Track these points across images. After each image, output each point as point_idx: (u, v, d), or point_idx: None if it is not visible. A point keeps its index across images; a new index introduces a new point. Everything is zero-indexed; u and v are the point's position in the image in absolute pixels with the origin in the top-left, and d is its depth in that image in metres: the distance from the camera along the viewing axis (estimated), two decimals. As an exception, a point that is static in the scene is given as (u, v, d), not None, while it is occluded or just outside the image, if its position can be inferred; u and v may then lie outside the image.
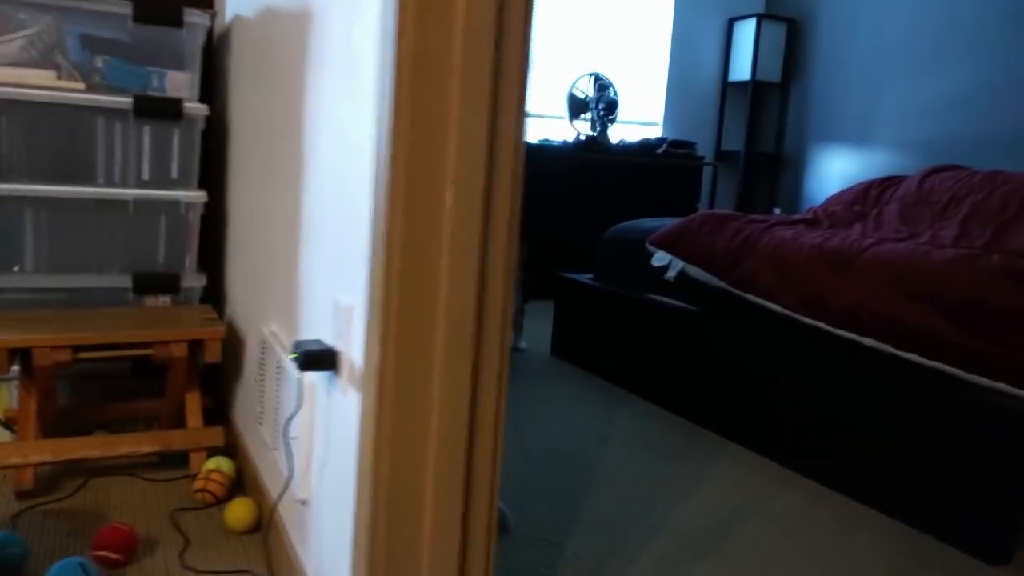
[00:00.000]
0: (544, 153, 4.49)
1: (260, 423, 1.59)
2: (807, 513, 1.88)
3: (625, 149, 4.80)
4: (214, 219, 2.28)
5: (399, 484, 0.97)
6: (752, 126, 5.43)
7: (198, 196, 2.00)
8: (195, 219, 2.02)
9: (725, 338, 2.37)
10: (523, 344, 3.25)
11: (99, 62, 1.91)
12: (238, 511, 1.58)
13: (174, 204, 1.99)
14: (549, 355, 3.21)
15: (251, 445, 1.75)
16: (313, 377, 1.23)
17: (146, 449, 1.75)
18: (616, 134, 5.02)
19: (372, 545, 0.98)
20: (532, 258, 4.01)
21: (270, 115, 1.62)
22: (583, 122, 4.88)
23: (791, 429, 2.15)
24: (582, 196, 4.58)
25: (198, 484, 1.68)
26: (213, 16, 2.19)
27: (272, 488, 1.54)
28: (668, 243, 2.64)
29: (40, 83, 1.83)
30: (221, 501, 1.69)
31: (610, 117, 4.88)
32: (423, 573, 1.01)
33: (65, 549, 1.47)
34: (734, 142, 5.55)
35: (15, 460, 1.64)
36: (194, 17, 1.94)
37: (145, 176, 1.96)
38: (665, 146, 4.88)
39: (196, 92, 2.00)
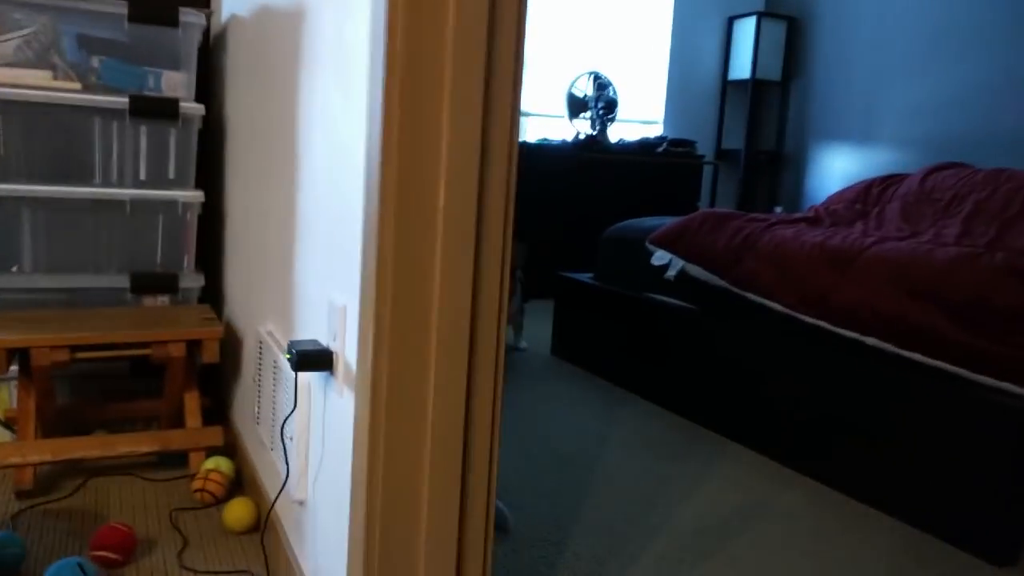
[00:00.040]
0: (543, 152, 4.48)
1: (258, 423, 1.59)
2: (808, 513, 1.87)
3: (625, 148, 4.79)
4: (212, 219, 2.28)
5: (394, 485, 0.97)
6: (752, 124, 5.42)
7: (195, 196, 1.99)
8: (192, 219, 2.02)
9: (726, 337, 2.36)
10: (523, 344, 3.24)
11: (95, 62, 1.90)
12: (237, 511, 1.57)
13: (171, 204, 1.98)
14: (549, 355, 3.20)
15: (250, 445, 1.74)
16: (308, 377, 1.22)
17: (145, 449, 1.74)
18: (616, 133, 5.01)
19: (367, 547, 0.98)
20: (532, 257, 4.00)
21: (265, 114, 1.61)
22: (582, 121, 4.87)
23: (792, 429, 2.14)
24: (582, 195, 4.58)
25: (197, 484, 1.68)
26: (209, 16, 2.18)
27: (270, 488, 1.54)
28: (668, 242, 2.63)
29: (36, 83, 1.82)
30: (220, 501, 1.68)
31: (609, 116, 4.87)
32: (419, 575, 1.00)
33: (64, 549, 1.47)
34: (734, 141, 5.54)
35: (14, 460, 1.63)
36: (190, 17, 1.94)
37: (142, 176, 1.96)
38: (665, 145, 4.87)
39: (192, 92, 1.99)
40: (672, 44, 5.30)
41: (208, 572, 1.43)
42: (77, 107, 1.86)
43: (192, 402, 1.84)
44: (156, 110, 1.92)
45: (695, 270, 2.51)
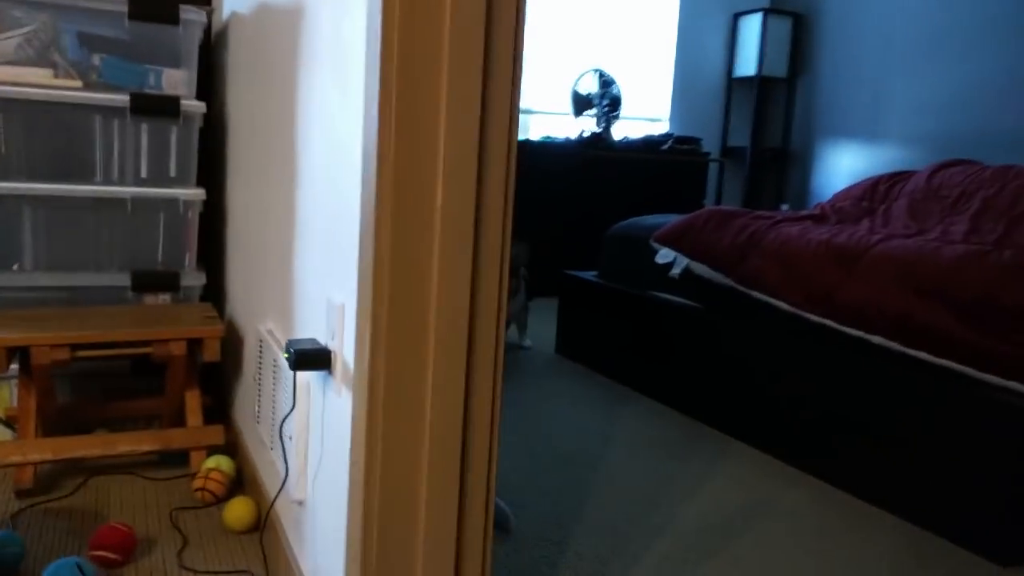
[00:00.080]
0: (548, 150, 4.47)
1: (258, 422, 1.58)
2: (812, 512, 1.85)
3: (630, 146, 4.77)
4: (214, 216, 2.28)
5: (391, 485, 0.96)
6: (758, 122, 5.39)
7: (196, 194, 1.99)
8: (194, 217, 2.01)
9: (730, 335, 2.34)
10: (527, 342, 3.23)
11: (96, 60, 1.90)
12: (237, 510, 1.56)
13: (172, 202, 1.98)
14: (553, 353, 3.19)
15: (251, 444, 1.74)
16: (307, 377, 1.21)
17: (145, 448, 1.74)
18: (620, 130, 4.99)
19: (365, 547, 0.97)
20: (535, 256, 3.98)
21: (265, 111, 1.61)
22: (587, 119, 4.85)
23: (797, 427, 2.12)
24: (586, 193, 4.56)
25: (197, 483, 1.67)
26: (210, 13, 2.18)
27: (271, 487, 1.53)
28: (672, 240, 2.61)
29: (37, 81, 1.82)
30: (221, 500, 1.68)
31: (614, 113, 4.85)
32: (417, 575, 0.99)
33: (64, 548, 1.46)
34: (740, 138, 5.51)
35: (15, 459, 1.63)
36: (191, 14, 1.93)
37: (143, 174, 1.95)
38: (670, 142, 4.85)
39: (194, 89, 1.99)
40: (677, 41, 5.28)
41: (207, 572, 1.42)
42: (78, 105, 1.85)
43: (193, 401, 1.84)
44: (157, 108, 1.91)
45: (700, 268, 2.50)
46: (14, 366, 1.70)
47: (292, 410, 1.24)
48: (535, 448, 2.14)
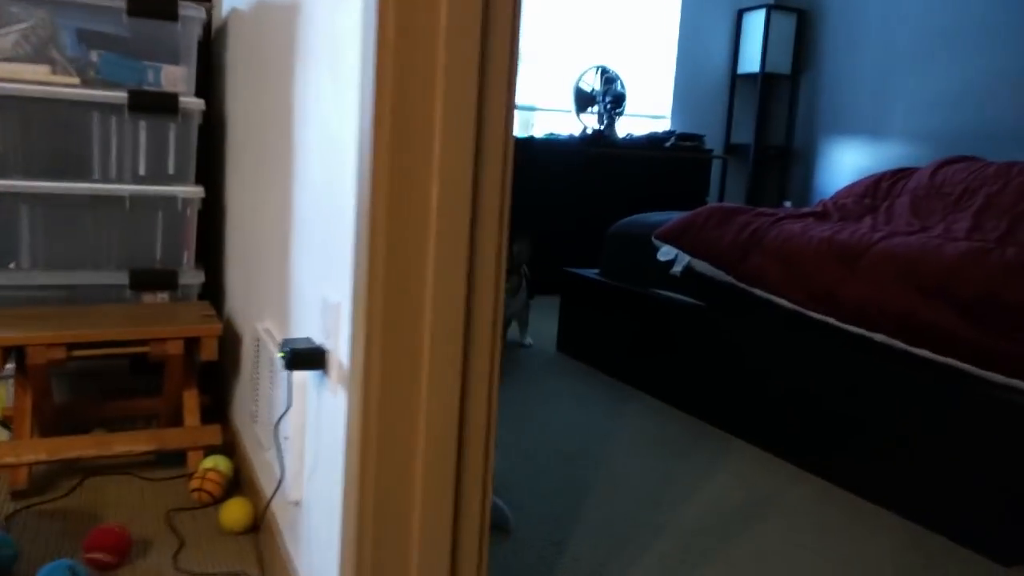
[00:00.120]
0: (550, 147, 4.45)
1: (255, 422, 1.57)
2: (814, 510, 1.84)
3: (632, 143, 4.75)
4: (212, 214, 2.26)
5: (386, 486, 0.95)
6: (762, 118, 5.37)
7: (195, 192, 1.98)
8: (192, 215, 2.00)
9: (732, 333, 2.33)
10: (528, 340, 3.22)
11: (94, 56, 1.88)
12: (234, 511, 1.55)
13: (171, 200, 1.97)
14: (554, 351, 3.17)
15: (248, 444, 1.73)
16: (303, 376, 1.20)
17: (142, 448, 1.73)
18: (623, 128, 4.97)
19: (359, 547, 0.96)
20: (536, 253, 3.97)
21: (262, 108, 1.59)
22: (590, 115, 4.83)
23: (798, 425, 2.10)
24: (589, 191, 4.54)
25: (194, 483, 1.66)
26: (209, 9, 2.16)
27: (267, 488, 1.52)
28: (674, 237, 2.60)
29: (34, 78, 1.81)
30: (218, 501, 1.67)
31: (617, 110, 4.83)
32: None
33: (58, 550, 1.45)
34: (743, 135, 5.49)
35: (9, 459, 1.62)
36: (189, 10, 1.92)
37: (141, 172, 1.94)
38: (673, 139, 4.83)
39: (192, 86, 1.97)
40: (680, 37, 5.25)
41: (203, 574, 1.41)
42: (76, 102, 1.84)
43: (191, 400, 1.83)
44: (155, 105, 1.90)
45: (701, 265, 2.48)
46: (10, 365, 1.69)
47: (288, 410, 1.23)
48: (535, 447, 2.13)
